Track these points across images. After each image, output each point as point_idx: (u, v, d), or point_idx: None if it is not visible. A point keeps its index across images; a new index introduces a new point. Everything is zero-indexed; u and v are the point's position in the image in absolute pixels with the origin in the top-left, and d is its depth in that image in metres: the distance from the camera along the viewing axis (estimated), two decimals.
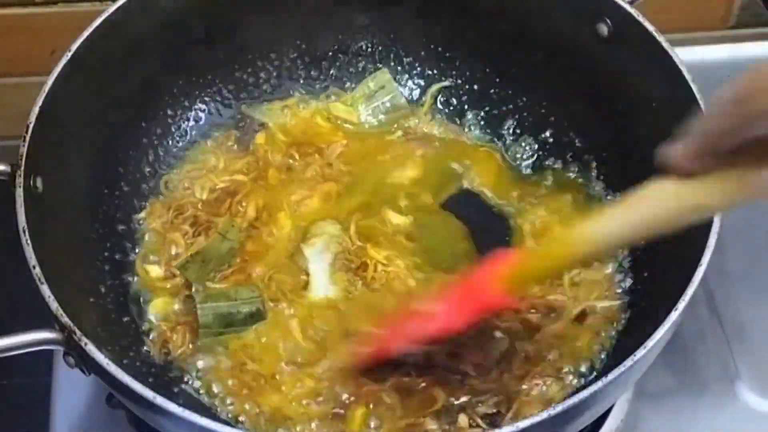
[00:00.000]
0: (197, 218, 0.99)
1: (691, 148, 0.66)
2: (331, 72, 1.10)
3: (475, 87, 1.08)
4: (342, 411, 0.88)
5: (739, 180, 0.67)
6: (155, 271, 0.97)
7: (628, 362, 0.75)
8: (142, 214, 1.00)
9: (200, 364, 0.91)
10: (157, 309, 0.94)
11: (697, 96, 0.87)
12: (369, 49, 1.10)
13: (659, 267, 0.91)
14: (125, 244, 0.97)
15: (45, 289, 0.77)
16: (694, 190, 0.68)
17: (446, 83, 1.09)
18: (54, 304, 0.76)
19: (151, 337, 0.92)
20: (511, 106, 1.07)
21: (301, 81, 1.09)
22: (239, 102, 1.07)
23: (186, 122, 1.05)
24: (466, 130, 1.08)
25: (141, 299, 0.95)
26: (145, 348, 0.91)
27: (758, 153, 0.64)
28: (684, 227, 0.72)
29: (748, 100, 0.62)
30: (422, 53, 1.10)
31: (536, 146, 1.06)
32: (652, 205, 0.72)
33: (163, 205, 1.00)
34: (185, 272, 0.94)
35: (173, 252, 0.97)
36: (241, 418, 0.88)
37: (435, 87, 1.09)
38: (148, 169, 1.02)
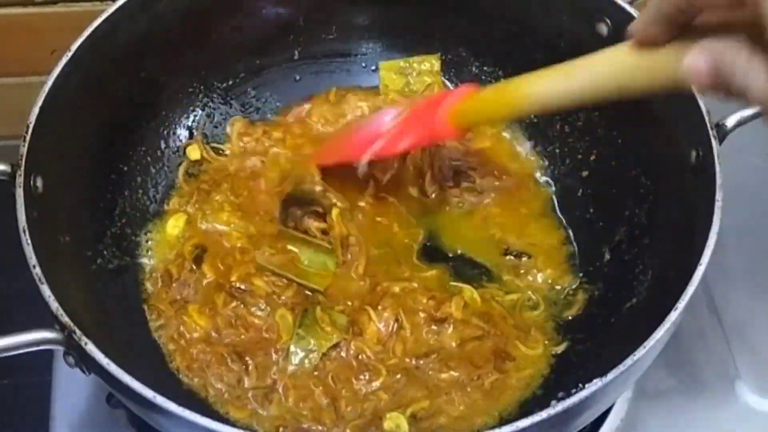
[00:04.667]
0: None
1: (650, 14, 0.69)
2: (332, 71, 1.10)
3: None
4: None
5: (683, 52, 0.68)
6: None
7: (628, 362, 0.75)
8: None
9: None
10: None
11: (697, 96, 0.87)
12: (369, 49, 1.10)
13: (659, 266, 0.91)
14: (125, 244, 0.98)
15: (45, 289, 0.77)
16: (645, 57, 0.71)
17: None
18: (54, 304, 0.76)
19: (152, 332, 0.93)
20: None
21: (302, 80, 1.09)
22: (239, 102, 1.08)
23: (186, 122, 1.05)
24: None
25: (141, 299, 0.95)
26: (145, 346, 0.92)
27: (707, 30, 0.66)
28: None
29: None
30: (421, 54, 1.10)
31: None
32: (602, 67, 0.75)
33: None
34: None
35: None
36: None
37: None
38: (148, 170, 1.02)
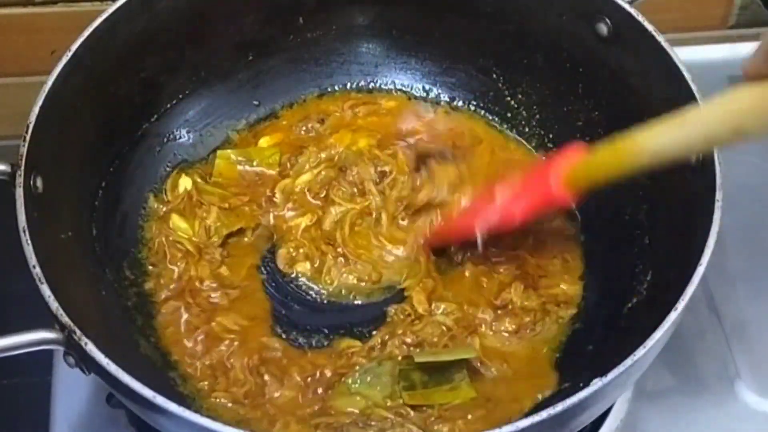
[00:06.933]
0: None
1: (763, 53, 0.67)
2: (332, 72, 1.10)
3: (475, 87, 1.09)
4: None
5: None
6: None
7: (628, 362, 0.75)
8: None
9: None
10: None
11: (697, 96, 0.87)
12: (369, 49, 1.10)
13: (659, 266, 0.91)
14: (125, 244, 0.98)
15: (45, 289, 0.77)
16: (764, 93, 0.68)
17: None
18: (54, 304, 0.76)
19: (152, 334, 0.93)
20: (510, 106, 1.07)
21: (302, 80, 1.09)
22: (240, 102, 1.08)
23: (186, 122, 1.05)
24: None
25: (141, 297, 0.95)
26: (145, 346, 0.92)
27: None
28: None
29: None
30: (422, 54, 1.10)
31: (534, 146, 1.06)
32: (719, 112, 0.73)
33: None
34: None
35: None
36: None
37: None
38: (148, 169, 1.02)
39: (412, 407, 0.88)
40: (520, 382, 0.91)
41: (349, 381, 0.89)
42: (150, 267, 0.97)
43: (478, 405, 0.89)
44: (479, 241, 0.94)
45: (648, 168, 0.83)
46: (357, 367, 0.90)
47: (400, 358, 0.90)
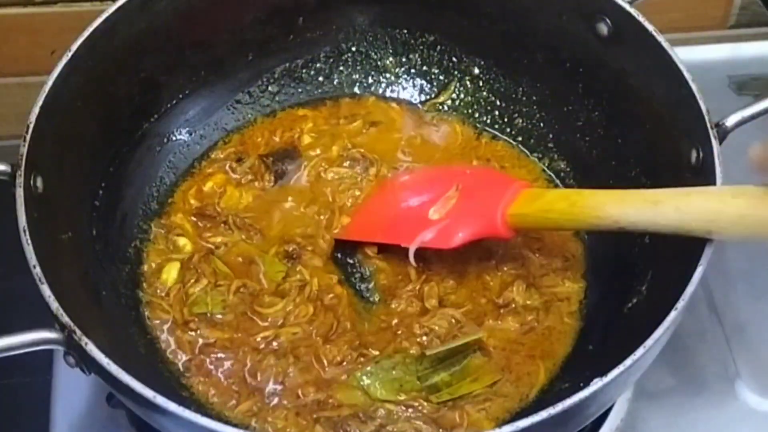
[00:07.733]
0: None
1: None
2: (331, 72, 1.10)
3: (475, 88, 1.09)
4: None
5: None
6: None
7: (628, 362, 0.75)
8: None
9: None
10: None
11: (697, 96, 0.87)
12: (370, 50, 1.10)
13: (659, 266, 0.91)
14: (125, 244, 0.98)
15: (45, 289, 0.77)
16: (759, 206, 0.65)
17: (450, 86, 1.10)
18: (54, 304, 0.76)
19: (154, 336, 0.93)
20: (510, 106, 1.07)
21: (301, 81, 1.09)
22: (240, 102, 1.08)
23: (185, 122, 1.05)
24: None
25: (141, 297, 0.95)
26: (145, 347, 0.92)
27: None
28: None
29: None
30: (421, 55, 1.10)
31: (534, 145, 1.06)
32: (699, 206, 0.70)
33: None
34: None
35: None
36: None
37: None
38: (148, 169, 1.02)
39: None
40: (524, 372, 0.91)
41: (358, 375, 0.89)
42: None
43: (488, 392, 0.89)
44: (411, 255, 0.91)
45: (600, 229, 0.81)
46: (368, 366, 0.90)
47: (411, 351, 0.91)
